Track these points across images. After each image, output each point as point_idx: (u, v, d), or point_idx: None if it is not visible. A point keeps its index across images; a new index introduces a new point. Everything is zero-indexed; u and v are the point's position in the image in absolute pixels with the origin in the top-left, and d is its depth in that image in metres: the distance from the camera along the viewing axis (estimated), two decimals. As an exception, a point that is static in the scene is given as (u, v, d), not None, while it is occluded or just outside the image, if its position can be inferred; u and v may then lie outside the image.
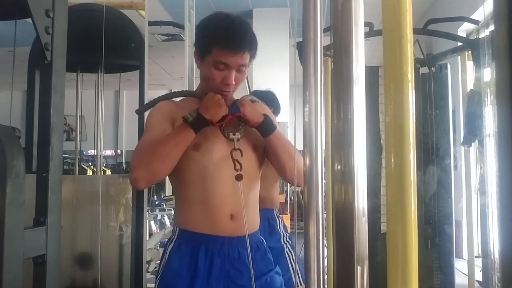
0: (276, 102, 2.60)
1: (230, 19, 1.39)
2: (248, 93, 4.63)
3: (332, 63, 0.66)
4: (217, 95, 1.36)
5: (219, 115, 1.33)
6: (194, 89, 1.69)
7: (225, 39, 1.35)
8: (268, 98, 2.40)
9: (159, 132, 1.36)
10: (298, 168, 1.29)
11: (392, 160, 0.72)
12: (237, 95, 1.50)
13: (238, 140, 1.38)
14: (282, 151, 1.41)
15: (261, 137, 1.43)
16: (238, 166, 1.33)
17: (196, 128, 1.32)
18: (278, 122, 1.61)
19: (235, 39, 1.35)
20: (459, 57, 3.22)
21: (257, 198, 1.48)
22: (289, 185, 4.82)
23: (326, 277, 2.58)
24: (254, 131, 1.41)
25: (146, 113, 1.52)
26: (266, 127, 1.39)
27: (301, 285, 2.20)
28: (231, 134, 1.38)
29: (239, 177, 1.32)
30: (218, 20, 1.41)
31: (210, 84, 1.40)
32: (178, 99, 1.51)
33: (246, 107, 1.37)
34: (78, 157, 3.35)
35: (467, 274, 3.13)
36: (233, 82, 1.38)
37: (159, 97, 1.46)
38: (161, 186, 7.56)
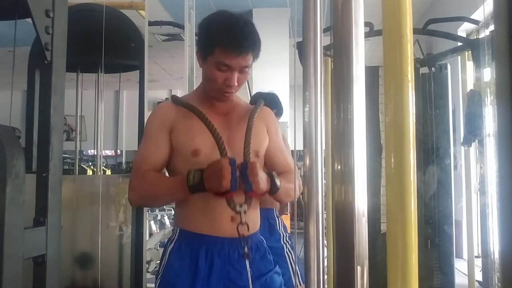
0: (279, 104, 2.61)
1: (234, 19, 1.35)
2: (249, 93, 4.64)
3: (332, 63, 0.66)
4: (224, 163, 1.25)
5: (221, 189, 1.25)
6: (194, 89, 1.69)
7: (229, 40, 1.30)
8: (271, 101, 2.40)
9: (154, 147, 1.38)
10: (297, 193, 1.36)
11: (392, 160, 0.72)
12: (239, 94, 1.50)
13: (245, 212, 1.33)
14: (285, 197, 1.43)
15: (262, 140, 1.44)
16: (244, 244, 1.31)
17: (194, 191, 1.28)
18: (279, 122, 1.61)
19: (239, 40, 1.30)
20: (459, 57, 3.23)
21: (258, 200, 1.48)
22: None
23: (326, 277, 2.58)
24: (256, 136, 1.41)
25: (147, 113, 1.52)
26: (272, 191, 1.35)
27: (300, 285, 2.20)
28: (237, 206, 1.32)
29: (246, 256, 1.32)
30: (221, 20, 1.36)
31: (212, 85, 1.38)
32: (180, 94, 1.51)
33: (258, 186, 1.28)
34: (78, 157, 3.35)
35: (467, 274, 3.13)
36: (236, 84, 1.35)
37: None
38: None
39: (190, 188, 1.27)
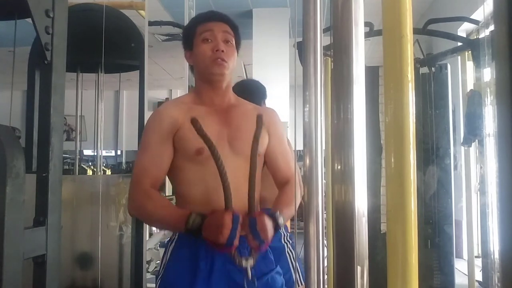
0: (262, 90, 2.46)
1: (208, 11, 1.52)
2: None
3: (332, 63, 0.66)
4: (226, 218, 1.22)
5: (218, 243, 1.21)
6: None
7: (204, 14, 1.47)
8: (255, 88, 2.34)
9: (156, 154, 1.37)
10: (298, 202, 1.39)
11: (392, 160, 0.72)
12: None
13: (252, 268, 1.26)
14: (287, 220, 1.42)
15: (263, 141, 1.43)
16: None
17: (191, 234, 1.26)
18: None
19: (213, 12, 1.47)
20: (459, 57, 3.23)
21: (258, 199, 1.48)
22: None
23: (326, 277, 2.58)
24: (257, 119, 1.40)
25: (147, 113, 1.52)
26: (275, 230, 1.32)
27: (301, 284, 2.20)
28: (243, 260, 1.26)
29: None
30: (197, 14, 1.53)
31: (204, 62, 1.41)
32: (180, 94, 1.51)
33: (266, 237, 1.25)
34: (78, 157, 3.35)
35: (467, 274, 3.13)
36: (222, 49, 1.39)
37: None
38: (161, 186, 7.54)
39: (188, 231, 1.25)
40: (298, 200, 1.42)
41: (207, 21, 1.44)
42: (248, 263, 1.25)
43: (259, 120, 1.33)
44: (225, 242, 1.20)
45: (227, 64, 1.41)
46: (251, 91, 1.68)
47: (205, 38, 1.42)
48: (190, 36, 1.46)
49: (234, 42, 1.45)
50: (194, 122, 1.26)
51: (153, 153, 1.37)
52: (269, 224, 1.27)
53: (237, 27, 1.49)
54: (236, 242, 1.22)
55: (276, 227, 1.30)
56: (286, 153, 1.53)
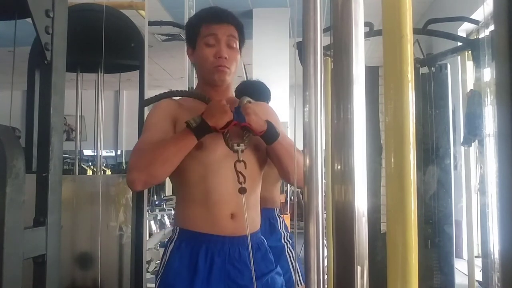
0: (267, 91, 2.50)
1: (213, 7, 1.49)
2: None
3: (332, 63, 0.66)
4: (222, 100, 1.33)
5: (223, 122, 1.30)
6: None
7: (210, 14, 1.44)
8: (259, 89, 2.36)
9: (158, 132, 1.35)
10: (299, 169, 1.27)
11: (392, 160, 0.72)
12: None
13: (242, 151, 1.35)
14: (285, 156, 1.39)
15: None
16: (241, 179, 1.31)
17: (199, 135, 1.29)
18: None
19: (219, 12, 1.44)
20: (459, 57, 3.23)
21: (258, 198, 1.48)
22: (289, 185, 4.81)
23: (326, 277, 2.58)
24: None
25: (146, 112, 1.52)
26: (270, 135, 1.37)
27: (301, 284, 2.20)
28: (235, 145, 1.35)
29: (242, 190, 1.30)
30: (202, 9, 1.50)
31: (206, 66, 1.41)
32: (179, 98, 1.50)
33: (251, 116, 1.34)
34: (78, 157, 3.35)
35: (467, 274, 3.13)
36: (225, 55, 1.39)
37: (161, 94, 1.46)
38: (161, 186, 7.56)
39: (194, 131, 1.28)
40: (300, 163, 1.40)
41: (212, 22, 1.41)
42: (240, 148, 1.34)
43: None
44: (231, 117, 1.30)
45: (229, 70, 1.42)
46: (253, 92, 1.68)
47: (209, 43, 1.40)
48: (194, 34, 1.44)
49: (238, 45, 1.44)
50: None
51: (155, 133, 1.35)
52: (258, 109, 1.38)
53: (242, 26, 1.47)
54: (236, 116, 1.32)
55: (270, 128, 1.36)
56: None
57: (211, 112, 1.30)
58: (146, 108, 2.35)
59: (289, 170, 1.40)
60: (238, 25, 1.45)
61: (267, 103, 2.31)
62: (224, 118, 1.30)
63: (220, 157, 1.37)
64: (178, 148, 1.30)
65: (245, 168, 1.33)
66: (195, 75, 2.79)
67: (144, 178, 1.27)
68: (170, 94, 1.46)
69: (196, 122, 1.29)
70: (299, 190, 1.83)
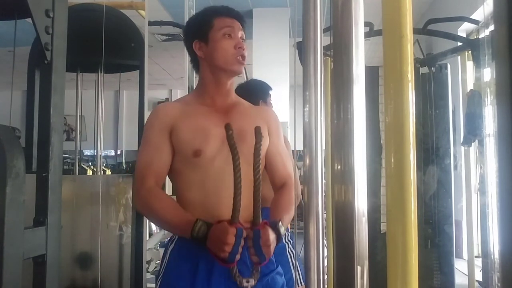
0: (260, 88, 2.41)
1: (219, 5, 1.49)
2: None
3: (332, 63, 0.66)
4: (230, 232, 1.20)
5: (221, 256, 1.22)
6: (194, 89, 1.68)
7: (222, 9, 1.44)
8: (252, 91, 2.32)
9: (154, 150, 1.37)
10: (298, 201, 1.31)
11: (392, 160, 0.72)
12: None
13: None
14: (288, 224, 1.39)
15: (264, 147, 1.41)
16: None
17: (197, 241, 1.26)
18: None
19: (230, 9, 1.45)
20: (459, 57, 3.23)
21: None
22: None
23: (326, 277, 2.58)
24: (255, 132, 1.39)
25: (147, 113, 1.52)
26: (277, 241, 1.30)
27: (301, 284, 2.20)
28: (244, 281, 1.24)
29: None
30: (208, 7, 1.49)
31: (225, 57, 1.39)
32: (179, 95, 1.51)
33: (269, 252, 1.24)
34: (78, 157, 3.35)
35: (467, 274, 3.13)
36: (244, 47, 1.41)
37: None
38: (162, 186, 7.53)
39: (193, 239, 1.25)
40: (298, 200, 1.42)
41: (226, 16, 1.43)
42: (249, 284, 1.23)
43: (258, 133, 1.29)
44: (226, 255, 1.20)
45: (244, 63, 1.44)
46: (247, 96, 1.66)
47: (227, 33, 1.40)
48: (205, 27, 1.43)
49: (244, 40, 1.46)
50: (227, 128, 1.25)
51: (153, 148, 1.38)
52: (272, 236, 1.25)
53: (245, 26, 1.49)
54: (237, 257, 1.21)
55: (278, 238, 1.28)
56: (283, 153, 1.52)
57: (213, 239, 1.23)
58: (146, 109, 2.35)
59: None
60: (244, 25, 1.47)
61: (266, 98, 2.28)
62: (221, 255, 1.21)
63: (220, 163, 1.36)
64: (173, 228, 1.38)
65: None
66: (195, 75, 2.79)
67: (142, 212, 1.48)
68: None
69: (199, 233, 1.23)
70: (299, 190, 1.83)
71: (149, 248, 4.49)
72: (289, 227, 2.55)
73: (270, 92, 2.37)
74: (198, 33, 1.44)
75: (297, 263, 2.22)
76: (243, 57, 1.41)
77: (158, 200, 1.34)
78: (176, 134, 1.37)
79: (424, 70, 3.20)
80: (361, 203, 0.62)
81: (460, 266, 3.72)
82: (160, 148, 1.37)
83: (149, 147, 1.39)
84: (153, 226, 5.78)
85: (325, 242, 0.75)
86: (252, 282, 1.24)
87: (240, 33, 1.43)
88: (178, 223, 1.31)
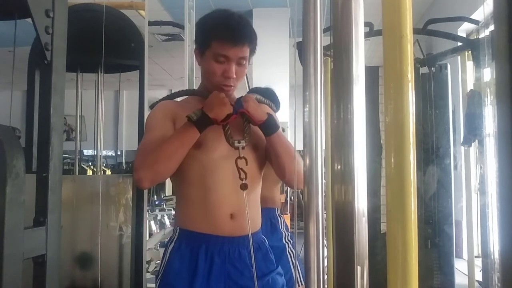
0: (277, 100, 2.56)
1: (228, 13, 1.41)
2: (248, 90, 4.63)
3: (332, 63, 0.66)
4: (221, 93, 1.34)
5: (223, 114, 1.31)
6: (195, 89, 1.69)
7: (224, 32, 1.36)
8: (268, 96, 2.37)
9: (160, 132, 1.36)
10: (298, 170, 1.26)
11: (392, 160, 0.72)
12: (237, 94, 1.50)
13: (243, 148, 1.36)
14: (283, 152, 1.39)
15: (264, 138, 1.42)
16: (243, 175, 1.32)
17: (201, 128, 1.31)
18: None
19: (234, 31, 1.36)
20: (459, 57, 3.22)
21: (258, 198, 1.48)
22: (289, 185, 4.78)
23: (326, 277, 2.58)
24: (257, 130, 1.40)
25: (147, 113, 1.52)
26: (269, 126, 1.38)
27: (301, 284, 2.20)
28: (236, 142, 1.36)
29: (244, 187, 1.31)
30: (216, 15, 1.43)
31: (211, 79, 1.40)
32: (179, 98, 1.51)
33: (250, 103, 1.35)
34: (78, 157, 3.35)
35: (467, 274, 3.13)
36: (234, 76, 1.37)
37: (164, 98, 1.47)
38: (161, 186, 7.56)
39: (196, 123, 1.29)
40: (300, 166, 1.40)
41: (226, 42, 1.35)
42: (240, 145, 1.35)
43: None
44: (231, 110, 1.32)
45: (235, 87, 1.42)
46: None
47: (221, 60, 1.37)
48: (204, 44, 1.40)
49: (247, 61, 1.41)
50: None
51: (157, 133, 1.37)
52: (252, 98, 1.39)
53: (255, 40, 1.42)
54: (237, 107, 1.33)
55: (270, 119, 1.37)
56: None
57: (211, 105, 1.31)
58: (146, 109, 2.35)
59: (286, 168, 1.39)
60: (252, 42, 1.40)
61: (275, 111, 2.32)
62: (223, 110, 1.31)
63: (220, 157, 1.37)
64: (181, 142, 1.32)
65: (246, 165, 1.33)
66: (195, 75, 2.79)
67: (150, 176, 1.30)
68: (172, 96, 1.47)
69: (196, 115, 1.30)
70: (299, 190, 1.83)
71: (149, 248, 4.50)
72: (289, 227, 2.55)
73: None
74: (198, 43, 1.44)
75: (297, 263, 2.22)
76: (228, 86, 1.39)
77: (156, 145, 1.32)
78: (178, 126, 1.37)
79: (424, 70, 3.20)
80: (361, 203, 0.62)
81: (460, 266, 3.72)
82: (165, 134, 1.36)
83: (153, 132, 1.38)
84: (153, 226, 5.78)
85: (325, 242, 0.75)
86: (243, 143, 1.36)
87: (238, 59, 1.37)
88: (181, 133, 1.33)
